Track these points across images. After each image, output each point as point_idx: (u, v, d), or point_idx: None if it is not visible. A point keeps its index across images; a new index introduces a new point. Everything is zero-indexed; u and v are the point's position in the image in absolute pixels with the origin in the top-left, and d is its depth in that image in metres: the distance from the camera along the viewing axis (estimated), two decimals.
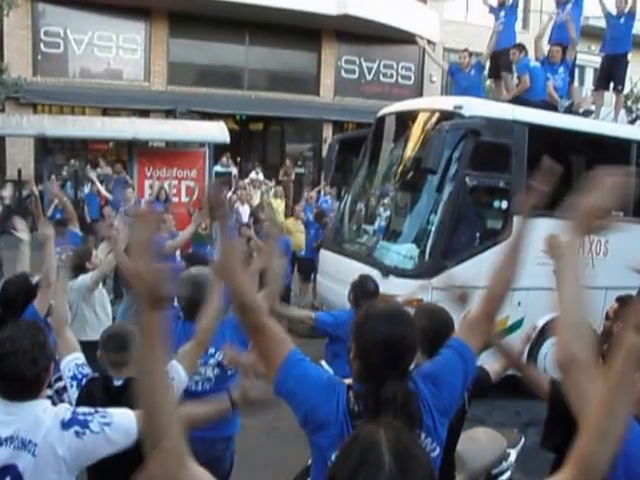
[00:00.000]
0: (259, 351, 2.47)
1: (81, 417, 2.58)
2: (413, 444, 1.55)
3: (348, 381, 2.47)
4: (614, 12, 10.81)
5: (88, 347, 3.52)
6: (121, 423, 2.62)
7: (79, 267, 5.83)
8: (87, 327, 5.55)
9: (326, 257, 9.09)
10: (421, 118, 8.36)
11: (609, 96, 11.35)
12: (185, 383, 3.32)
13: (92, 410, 2.66)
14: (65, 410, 2.62)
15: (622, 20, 10.61)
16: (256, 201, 15.48)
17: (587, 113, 10.50)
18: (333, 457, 2.28)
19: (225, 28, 20.01)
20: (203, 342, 3.49)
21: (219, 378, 4.04)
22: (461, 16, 23.66)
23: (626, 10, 10.67)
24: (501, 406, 7.77)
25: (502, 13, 11.03)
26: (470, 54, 10.69)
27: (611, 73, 10.87)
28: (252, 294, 2.44)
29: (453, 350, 2.56)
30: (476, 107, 7.82)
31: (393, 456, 1.44)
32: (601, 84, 11.19)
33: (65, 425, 2.54)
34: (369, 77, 22.84)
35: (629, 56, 10.96)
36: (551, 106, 9.49)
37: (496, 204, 7.77)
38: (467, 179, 7.49)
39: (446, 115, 7.70)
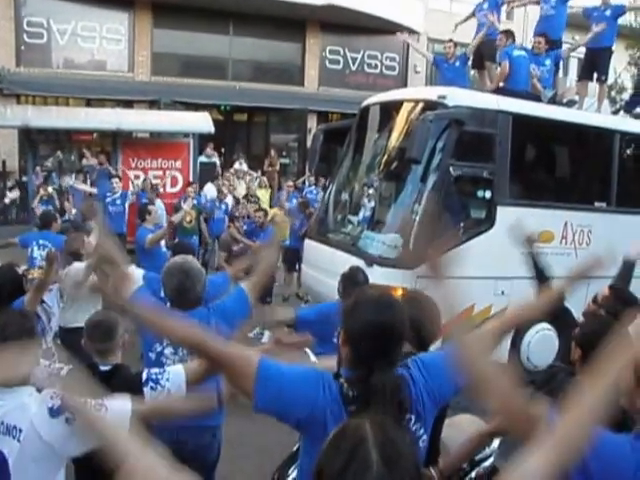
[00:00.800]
0: (229, 377, 2.43)
1: None
2: (400, 440, 1.57)
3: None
4: (598, 4, 10.88)
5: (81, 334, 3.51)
6: (115, 411, 2.62)
7: (74, 254, 5.84)
8: (80, 314, 5.54)
9: (311, 247, 9.11)
10: (405, 108, 8.37)
11: (593, 87, 11.41)
12: (181, 392, 3.28)
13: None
14: (54, 396, 2.61)
15: (607, 12, 10.67)
16: (240, 192, 15.45)
17: (571, 103, 10.54)
18: None
19: (209, 18, 19.94)
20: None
21: None
22: (445, 6, 23.65)
23: (611, 2, 10.74)
24: None
25: (486, 5, 11.05)
26: (455, 45, 10.71)
27: (595, 65, 10.93)
28: (194, 333, 2.37)
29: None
30: (460, 97, 7.84)
31: (380, 454, 1.47)
32: (585, 75, 11.25)
33: (54, 412, 2.54)
34: (353, 67, 22.84)
35: (613, 47, 11.02)
36: (535, 96, 9.52)
37: (480, 194, 7.80)
38: (451, 169, 7.51)
39: (430, 105, 7.71)
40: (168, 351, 3.93)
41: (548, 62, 10.23)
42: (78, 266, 5.68)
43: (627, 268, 5.27)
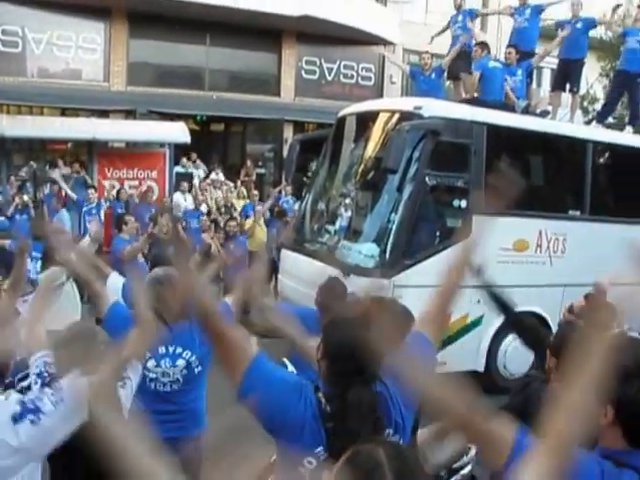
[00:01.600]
0: (223, 358, 2.44)
1: (30, 405, 2.55)
2: (413, 463, 1.58)
3: None
4: (569, 17, 11.04)
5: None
6: (72, 397, 2.59)
7: (50, 259, 5.79)
8: (53, 318, 5.49)
9: (287, 257, 9.12)
10: (381, 119, 8.44)
11: (566, 97, 11.56)
12: (139, 373, 3.32)
13: (40, 391, 2.66)
14: (15, 402, 2.58)
15: (578, 25, 10.82)
16: (216, 202, 15.40)
17: (544, 114, 10.67)
18: (306, 461, 2.32)
19: (185, 29, 19.89)
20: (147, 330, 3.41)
21: (187, 378, 4.05)
22: (421, 18, 23.81)
23: (581, 15, 10.90)
24: None
25: (460, 17, 11.17)
26: (431, 57, 10.83)
27: (567, 76, 11.09)
28: (211, 305, 2.40)
29: (415, 342, 2.60)
30: (435, 108, 7.91)
31: (396, 478, 1.49)
32: (557, 86, 11.40)
33: (17, 419, 2.50)
34: (329, 78, 22.89)
35: (585, 59, 11.17)
36: (509, 106, 9.63)
37: (455, 203, 7.87)
38: (427, 178, 7.58)
39: (406, 116, 7.77)
40: (150, 364, 3.92)
41: (519, 72, 10.39)
42: (54, 270, 5.64)
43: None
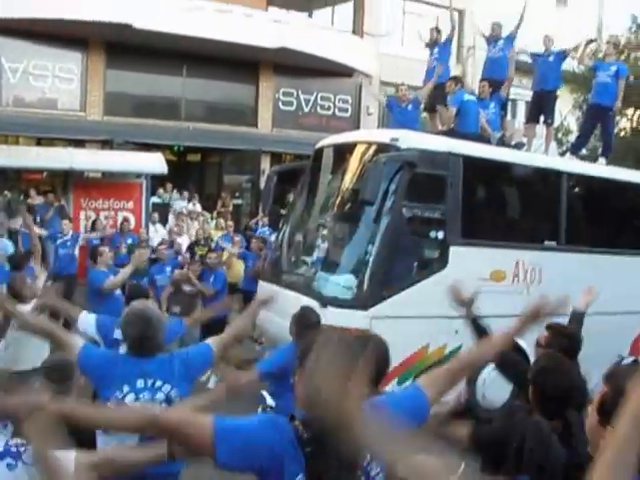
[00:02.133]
0: (188, 447, 2.44)
1: (14, 449, 2.52)
2: None
3: None
4: (542, 50, 11.25)
5: (21, 377, 3.45)
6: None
7: (17, 296, 5.72)
8: (20, 358, 5.40)
9: (264, 288, 9.06)
10: (358, 150, 8.47)
11: (540, 129, 11.72)
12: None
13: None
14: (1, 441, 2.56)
15: (550, 58, 11.02)
16: (193, 233, 15.35)
17: (519, 145, 10.80)
18: None
19: (163, 59, 19.95)
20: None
21: None
22: (397, 50, 24.08)
23: (553, 48, 11.11)
24: None
25: (436, 49, 11.31)
26: (408, 88, 10.95)
27: (541, 108, 11.27)
28: (135, 416, 2.40)
29: (412, 391, 2.60)
30: (412, 140, 7.96)
31: None
32: (532, 118, 11.58)
33: None
34: (307, 109, 23.01)
35: (558, 91, 11.36)
36: (485, 138, 9.73)
37: (432, 234, 7.89)
38: (404, 210, 7.61)
39: (383, 147, 7.82)
40: (130, 398, 3.85)
41: (493, 105, 10.56)
42: (22, 309, 5.56)
43: (577, 320, 5.21)
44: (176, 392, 3.96)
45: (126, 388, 3.80)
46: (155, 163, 15.99)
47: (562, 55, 11.24)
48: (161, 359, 3.91)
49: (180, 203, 17.41)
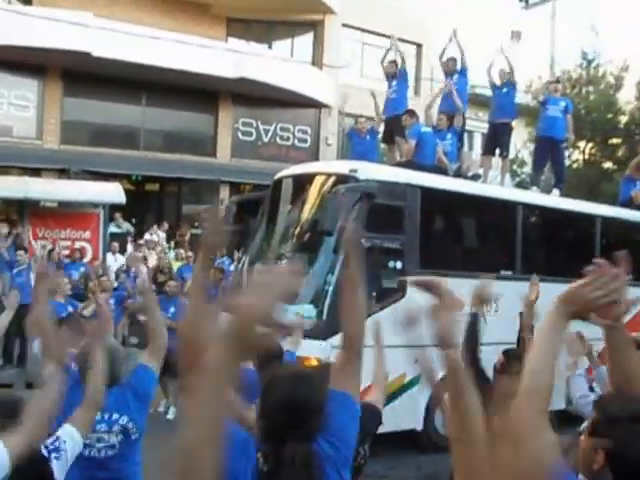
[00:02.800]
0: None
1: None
2: None
3: None
4: (498, 83, 11.50)
5: None
6: None
7: None
8: None
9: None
10: (317, 181, 8.54)
11: (496, 160, 11.95)
12: (80, 446, 3.26)
13: None
14: None
15: (505, 90, 11.28)
16: (152, 263, 15.23)
17: (475, 177, 10.98)
18: None
19: (121, 88, 19.89)
20: (95, 404, 3.48)
21: (123, 444, 3.95)
22: (355, 81, 24.33)
23: (507, 81, 11.38)
24: (403, 461, 7.85)
25: (394, 82, 11.49)
26: (367, 120, 11.10)
27: (496, 140, 11.51)
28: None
29: (334, 402, 2.59)
30: (370, 171, 8.06)
31: None
32: (488, 149, 11.81)
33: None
34: (266, 139, 23.08)
35: (513, 123, 11.60)
36: (442, 170, 9.88)
37: (391, 264, 7.96)
38: (362, 240, 7.66)
39: (342, 178, 7.90)
40: None
41: (449, 136, 10.74)
42: None
43: (528, 310, 5.33)
44: (132, 423, 3.93)
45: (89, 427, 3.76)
46: (113, 193, 15.84)
47: (516, 86, 11.52)
48: (116, 392, 3.88)
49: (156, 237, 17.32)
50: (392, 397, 7.80)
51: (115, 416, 3.88)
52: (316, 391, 2.43)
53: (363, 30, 24.67)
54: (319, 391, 2.44)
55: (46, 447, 3.08)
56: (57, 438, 3.14)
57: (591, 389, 4.84)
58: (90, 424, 3.33)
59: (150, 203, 22.78)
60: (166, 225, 18.84)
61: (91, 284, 10.60)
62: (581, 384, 4.76)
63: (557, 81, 12.58)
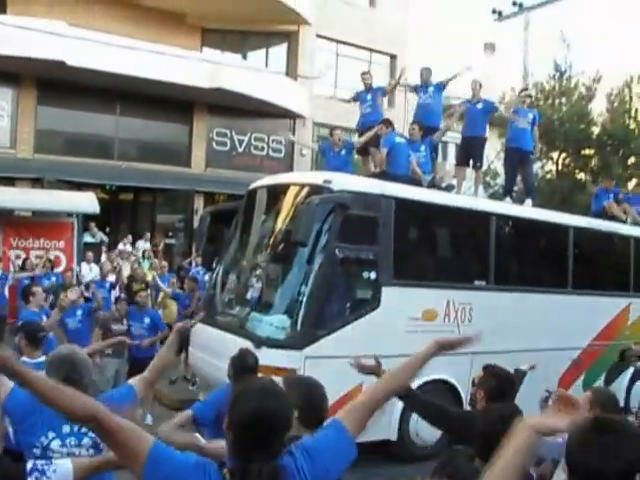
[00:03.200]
0: (120, 453, 2.42)
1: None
2: None
3: None
4: (470, 97, 11.63)
5: None
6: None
7: None
8: None
9: (198, 329, 8.94)
10: (291, 192, 8.54)
11: (470, 171, 12.05)
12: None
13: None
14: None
15: (479, 105, 11.40)
16: (125, 272, 15.13)
17: (449, 187, 11.05)
18: None
19: (96, 97, 19.79)
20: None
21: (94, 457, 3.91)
22: (330, 92, 24.47)
23: (481, 96, 11.51)
24: (376, 473, 7.85)
25: (369, 96, 11.52)
26: (342, 132, 11.12)
27: (469, 152, 11.61)
28: (83, 402, 2.40)
29: (334, 431, 2.60)
30: (345, 182, 8.08)
31: None
32: (461, 161, 11.90)
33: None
34: (240, 149, 23.08)
35: (486, 136, 11.70)
36: (416, 181, 9.93)
37: (365, 275, 7.98)
38: (336, 251, 7.67)
39: (316, 189, 7.89)
40: (55, 444, 3.76)
41: (423, 148, 10.82)
42: None
43: (518, 377, 5.39)
44: None
45: (51, 434, 3.71)
46: (87, 202, 15.78)
47: (490, 105, 11.62)
48: None
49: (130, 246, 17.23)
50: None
51: (84, 428, 3.84)
52: (284, 405, 2.42)
53: (338, 41, 24.81)
54: (285, 405, 2.43)
55: (34, 464, 3.04)
56: (50, 463, 3.08)
57: None
58: (89, 475, 3.28)
59: (124, 213, 22.68)
60: (148, 235, 18.71)
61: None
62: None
63: (526, 90, 12.70)
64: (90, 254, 15.53)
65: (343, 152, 10.77)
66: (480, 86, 11.59)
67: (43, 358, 4.88)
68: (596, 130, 20.00)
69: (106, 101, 20.28)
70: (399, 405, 8.12)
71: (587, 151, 20.37)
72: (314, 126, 24.15)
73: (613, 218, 12.17)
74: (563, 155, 20.40)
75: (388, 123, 10.53)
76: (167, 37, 20.64)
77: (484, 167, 19.48)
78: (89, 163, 19.80)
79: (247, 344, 7.39)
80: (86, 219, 16.38)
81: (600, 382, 10.52)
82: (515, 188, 12.85)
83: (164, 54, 18.83)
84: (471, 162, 11.62)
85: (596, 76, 20.13)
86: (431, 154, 11.14)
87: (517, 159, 11.87)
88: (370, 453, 8.03)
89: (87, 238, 16.81)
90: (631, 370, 11.05)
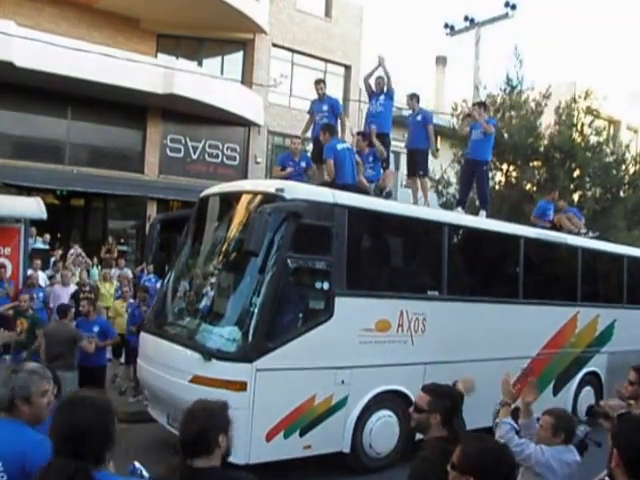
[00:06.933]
0: None
1: None
2: None
3: None
4: (410, 111, 11.83)
5: None
6: None
7: None
8: None
9: (147, 340, 8.76)
10: (244, 200, 8.42)
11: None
12: None
13: None
14: None
15: (418, 118, 11.54)
16: (77, 279, 14.81)
17: (388, 194, 11.02)
18: None
19: (47, 100, 19.46)
20: None
21: None
22: (284, 101, 24.47)
23: (417, 110, 11.67)
24: None
25: (325, 107, 11.44)
26: (302, 142, 11.06)
27: (414, 163, 11.78)
28: None
29: None
30: (298, 190, 7.99)
31: None
32: (411, 172, 12.01)
33: None
34: (194, 156, 22.91)
35: (428, 148, 11.79)
36: (362, 190, 9.85)
37: (318, 285, 7.89)
38: (289, 260, 7.57)
39: (268, 198, 7.79)
40: None
41: (372, 159, 10.90)
42: None
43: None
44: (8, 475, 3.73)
45: None
46: (34, 208, 15.36)
47: (428, 119, 11.67)
48: (45, 427, 3.68)
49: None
50: (319, 419, 7.73)
51: None
52: (95, 417, 2.50)
53: (293, 50, 24.81)
54: (100, 418, 2.52)
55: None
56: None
57: (517, 432, 4.90)
58: None
59: (75, 218, 22.30)
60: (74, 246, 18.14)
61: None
62: (506, 431, 4.79)
63: (480, 103, 12.82)
64: (38, 262, 15.17)
65: (303, 164, 10.76)
66: (417, 100, 11.71)
67: None
68: (544, 143, 20.31)
69: (57, 104, 19.95)
70: (353, 416, 8.07)
71: (535, 163, 20.67)
72: (269, 134, 24.09)
73: (561, 230, 12.52)
74: (512, 167, 20.66)
75: (330, 129, 10.30)
76: (121, 41, 20.44)
77: (437, 176, 19.68)
78: (39, 168, 19.42)
79: (196, 356, 7.29)
80: (35, 225, 15.99)
81: (549, 389, 10.65)
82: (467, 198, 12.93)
83: (117, 58, 18.56)
84: (416, 172, 11.75)
85: (546, 93, 20.48)
86: (381, 165, 11.20)
87: (470, 169, 12.10)
88: (324, 466, 7.96)
89: (38, 244, 16.42)
90: (578, 378, 11.26)
